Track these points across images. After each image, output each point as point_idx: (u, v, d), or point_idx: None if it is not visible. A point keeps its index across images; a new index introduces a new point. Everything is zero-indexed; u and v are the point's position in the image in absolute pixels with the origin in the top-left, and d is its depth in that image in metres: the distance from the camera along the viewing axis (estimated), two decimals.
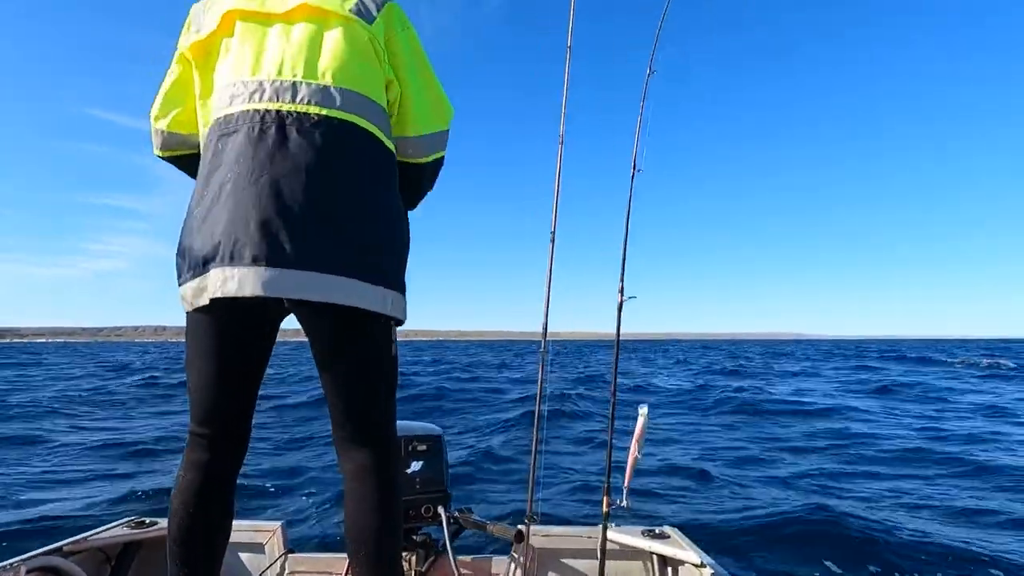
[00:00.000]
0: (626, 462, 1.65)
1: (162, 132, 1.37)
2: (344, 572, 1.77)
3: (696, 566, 1.75)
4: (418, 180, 1.39)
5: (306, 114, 1.15)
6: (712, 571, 1.69)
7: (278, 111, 1.14)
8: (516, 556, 1.85)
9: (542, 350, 1.73)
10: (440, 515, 1.72)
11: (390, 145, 1.27)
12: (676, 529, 1.95)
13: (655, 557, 1.90)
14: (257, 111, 1.15)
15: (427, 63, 1.33)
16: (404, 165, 1.34)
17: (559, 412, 9.79)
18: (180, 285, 1.18)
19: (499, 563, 1.89)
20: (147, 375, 19.17)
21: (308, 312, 1.17)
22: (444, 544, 1.71)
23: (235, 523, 1.27)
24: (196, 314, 1.19)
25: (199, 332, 1.20)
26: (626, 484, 1.64)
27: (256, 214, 1.08)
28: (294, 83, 1.16)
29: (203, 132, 1.27)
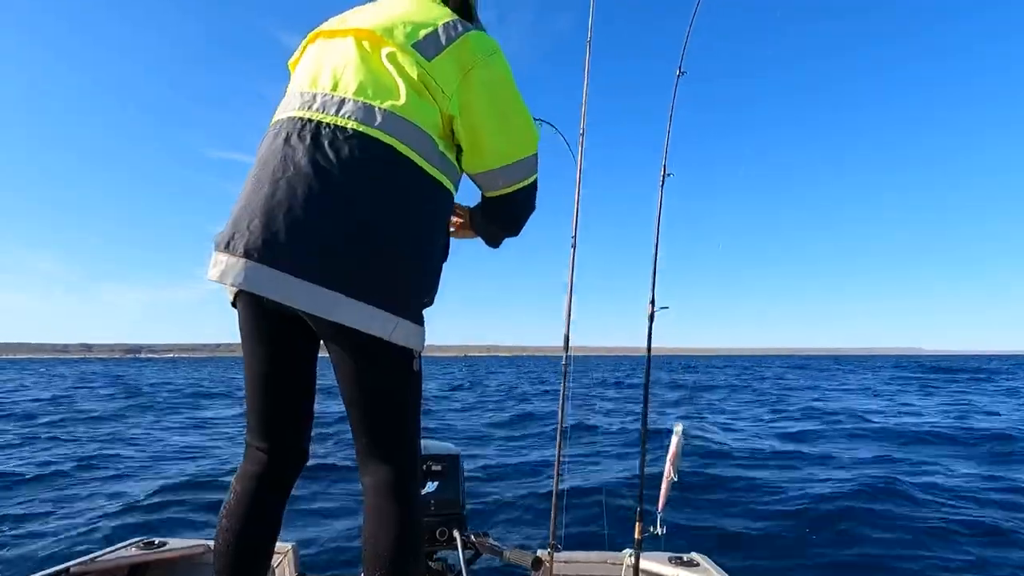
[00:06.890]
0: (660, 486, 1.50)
1: None
2: None
3: None
4: (510, 209, 1.38)
5: (343, 128, 1.13)
6: None
7: (318, 121, 1.15)
8: None
9: (564, 363, 1.63)
10: (455, 539, 1.62)
11: (435, 174, 1.21)
12: (706, 557, 1.80)
13: None
14: (300, 118, 1.17)
15: (510, 94, 1.25)
16: (494, 198, 1.34)
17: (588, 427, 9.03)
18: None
19: None
20: None
21: (318, 326, 1.14)
22: (459, 571, 1.60)
23: None
24: (236, 301, 1.21)
25: (240, 322, 1.21)
26: (660, 508, 1.49)
27: (260, 212, 1.10)
28: (343, 99, 1.16)
29: None
